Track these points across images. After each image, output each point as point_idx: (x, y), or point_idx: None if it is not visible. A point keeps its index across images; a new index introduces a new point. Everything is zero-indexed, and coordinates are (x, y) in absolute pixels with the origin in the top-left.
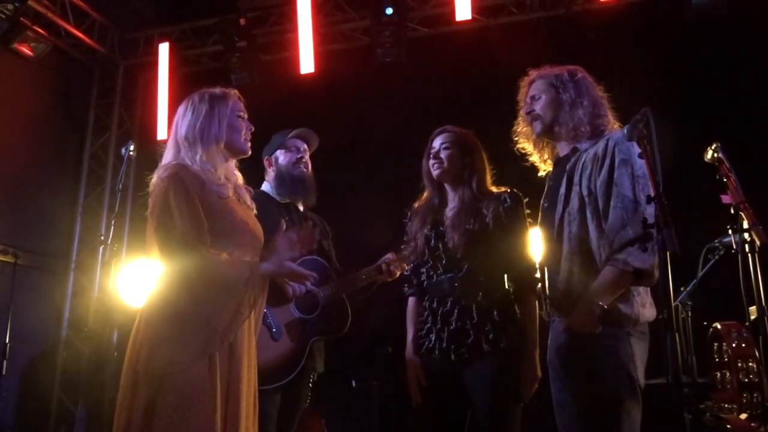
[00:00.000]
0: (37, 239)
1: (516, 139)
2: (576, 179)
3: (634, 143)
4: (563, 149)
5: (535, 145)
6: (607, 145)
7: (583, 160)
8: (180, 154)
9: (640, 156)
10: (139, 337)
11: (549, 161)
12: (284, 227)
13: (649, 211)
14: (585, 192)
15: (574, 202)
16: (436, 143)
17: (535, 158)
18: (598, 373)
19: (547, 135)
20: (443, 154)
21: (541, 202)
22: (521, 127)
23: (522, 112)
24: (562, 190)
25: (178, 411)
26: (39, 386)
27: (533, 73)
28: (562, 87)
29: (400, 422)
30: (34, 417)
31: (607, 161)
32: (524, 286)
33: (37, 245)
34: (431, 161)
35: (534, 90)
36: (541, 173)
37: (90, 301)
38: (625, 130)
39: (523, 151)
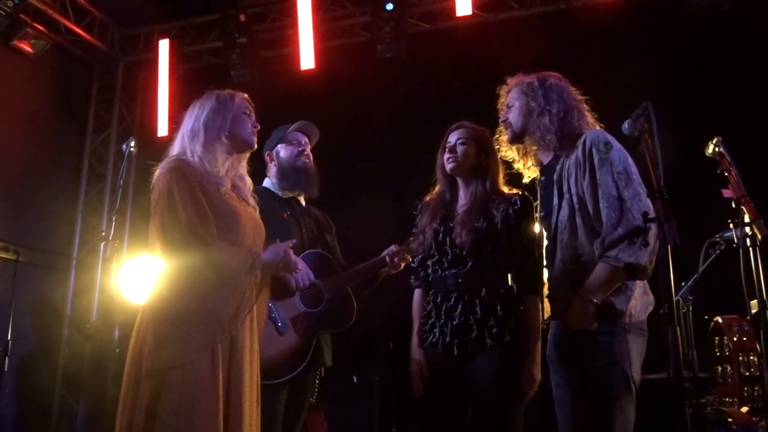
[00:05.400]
0: (38, 236)
1: (498, 147)
2: (565, 187)
3: (609, 135)
4: (544, 156)
5: (517, 152)
6: (584, 147)
7: (567, 166)
8: (183, 145)
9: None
10: (142, 334)
11: (533, 167)
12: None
13: (636, 205)
14: (575, 199)
15: (565, 211)
16: (452, 138)
17: (519, 165)
18: (592, 369)
19: (518, 142)
20: (459, 150)
21: (538, 210)
22: (502, 135)
23: (500, 120)
24: (555, 200)
25: (180, 407)
26: (41, 383)
27: (510, 81)
28: (531, 95)
29: (401, 418)
30: (36, 413)
31: (588, 164)
32: (528, 286)
33: (39, 242)
34: (446, 155)
35: (508, 98)
36: (526, 180)
37: (91, 297)
38: (626, 125)
39: (506, 159)
